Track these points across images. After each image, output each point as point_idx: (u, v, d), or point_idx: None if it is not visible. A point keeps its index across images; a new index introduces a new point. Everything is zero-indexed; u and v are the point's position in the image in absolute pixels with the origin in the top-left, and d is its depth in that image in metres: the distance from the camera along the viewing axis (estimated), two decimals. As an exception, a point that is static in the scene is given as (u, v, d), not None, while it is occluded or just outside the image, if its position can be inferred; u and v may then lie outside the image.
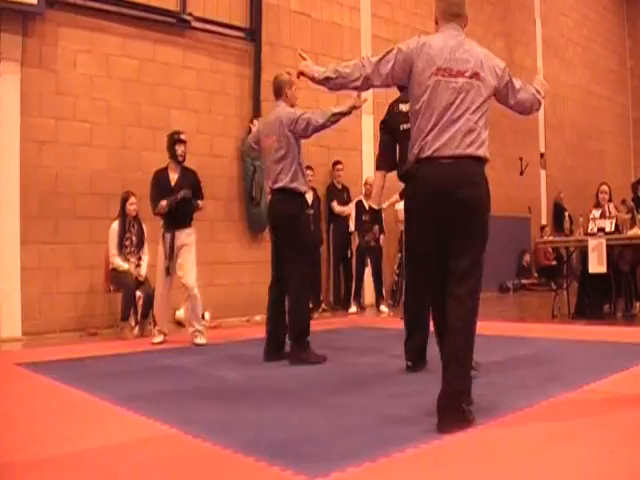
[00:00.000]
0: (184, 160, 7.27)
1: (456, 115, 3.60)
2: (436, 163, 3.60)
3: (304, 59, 4.12)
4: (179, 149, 7.18)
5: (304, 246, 6.04)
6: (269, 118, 6.10)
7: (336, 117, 5.68)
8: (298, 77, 4.22)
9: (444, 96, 3.62)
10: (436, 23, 3.90)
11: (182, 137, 7.24)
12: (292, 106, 5.98)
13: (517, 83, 3.94)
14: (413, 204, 3.97)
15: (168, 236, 7.10)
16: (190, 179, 7.27)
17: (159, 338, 7.19)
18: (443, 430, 3.29)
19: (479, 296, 3.64)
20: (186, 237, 7.15)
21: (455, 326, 3.50)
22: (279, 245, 5.99)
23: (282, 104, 5.97)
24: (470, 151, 3.59)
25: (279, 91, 6.02)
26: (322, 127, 5.76)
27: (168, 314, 7.51)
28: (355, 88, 4.02)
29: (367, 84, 3.84)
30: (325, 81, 3.89)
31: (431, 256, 3.74)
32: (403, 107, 5.30)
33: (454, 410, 3.38)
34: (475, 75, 3.68)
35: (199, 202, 7.35)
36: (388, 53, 3.75)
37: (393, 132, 5.47)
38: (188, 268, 7.07)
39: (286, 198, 5.85)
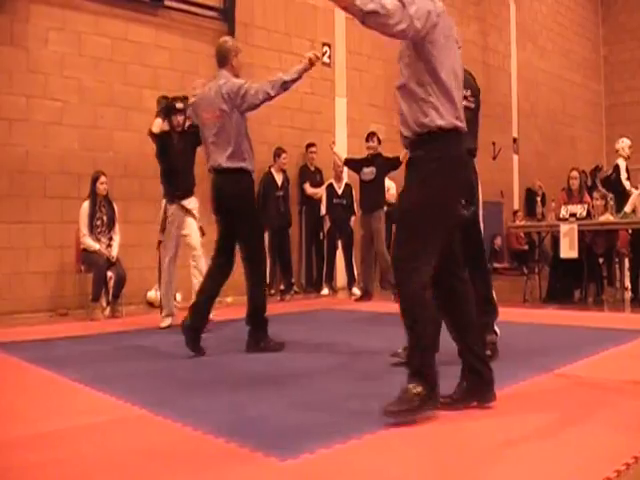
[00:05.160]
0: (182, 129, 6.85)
1: None
2: None
3: None
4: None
5: (258, 228, 5.76)
6: (207, 91, 5.48)
7: (287, 85, 5.23)
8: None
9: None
10: None
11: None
12: (236, 76, 5.44)
13: None
14: None
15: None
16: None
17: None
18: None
19: None
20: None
21: None
22: (230, 229, 5.61)
23: (225, 73, 5.44)
24: None
25: (223, 60, 5.47)
26: (271, 98, 5.26)
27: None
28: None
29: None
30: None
31: None
32: None
33: None
34: None
35: None
36: None
37: None
38: None
39: (232, 179, 5.42)
